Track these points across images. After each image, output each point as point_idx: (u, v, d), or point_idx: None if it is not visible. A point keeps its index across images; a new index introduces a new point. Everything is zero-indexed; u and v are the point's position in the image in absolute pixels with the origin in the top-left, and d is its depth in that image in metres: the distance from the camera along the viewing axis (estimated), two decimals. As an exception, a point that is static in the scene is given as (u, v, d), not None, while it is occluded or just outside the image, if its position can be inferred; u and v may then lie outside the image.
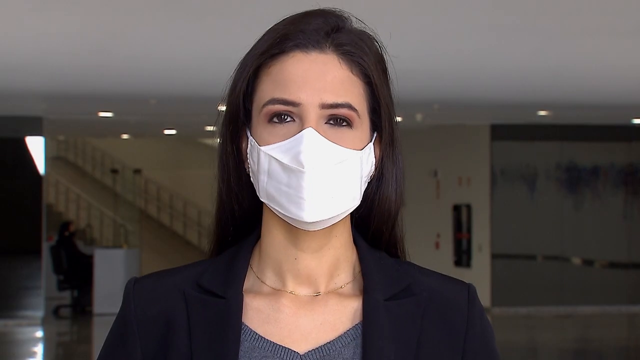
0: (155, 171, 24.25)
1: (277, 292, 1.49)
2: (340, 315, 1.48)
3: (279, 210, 1.44)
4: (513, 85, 12.04)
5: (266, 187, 1.45)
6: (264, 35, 1.50)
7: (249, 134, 1.48)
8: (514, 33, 8.54)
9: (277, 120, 1.44)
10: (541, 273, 16.90)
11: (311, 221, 1.42)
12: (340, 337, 1.46)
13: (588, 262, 17.12)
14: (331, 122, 1.44)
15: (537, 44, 9.12)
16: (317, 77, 1.44)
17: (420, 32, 8.54)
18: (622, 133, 17.00)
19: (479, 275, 16.33)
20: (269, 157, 1.44)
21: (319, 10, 1.50)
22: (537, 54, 9.63)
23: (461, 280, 1.54)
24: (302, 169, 1.41)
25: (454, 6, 7.51)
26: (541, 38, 8.80)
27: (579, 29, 8.46)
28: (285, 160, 1.42)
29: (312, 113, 1.43)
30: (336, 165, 1.43)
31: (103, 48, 9.28)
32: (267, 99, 1.45)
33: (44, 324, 15.61)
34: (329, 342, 1.46)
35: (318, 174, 1.41)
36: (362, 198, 1.49)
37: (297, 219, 1.42)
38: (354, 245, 1.53)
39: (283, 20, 1.50)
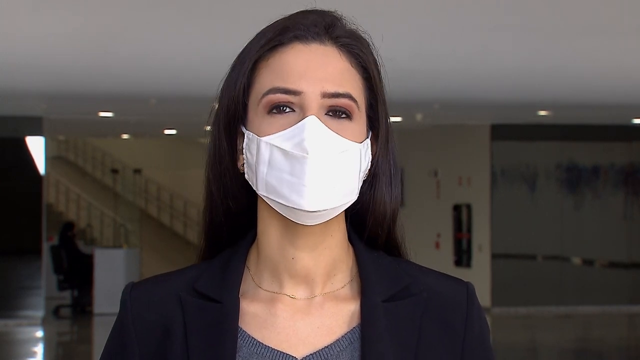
0: (155, 171, 24.24)
1: (273, 296, 1.47)
2: (337, 318, 1.47)
3: (278, 200, 1.42)
4: (513, 85, 12.04)
5: (266, 178, 1.42)
6: (260, 32, 1.49)
7: (244, 129, 1.47)
8: (514, 33, 8.54)
9: (276, 112, 1.43)
10: (541, 273, 16.89)
11: (311, 210, 1.40)
12: (337, 341, 1.45)
13: (588, 262, 17.11)
14: (330, 113, 1.43)
15: (537, 44, 9.12)
16: (318, 67, 1.43)
17: (420, 32, 8.54)
18: (622, 133, 16.99)
19: (479, 275, 16.32)
20: (271, 146, 1.42)
21: (314, 9, 1.50)
22: (537, 54, 9.63)
23: (460, 279, 1.53)
24: (306, 154, 1.39)
25: (454, 6, 7.51)
26: (541, 38, 8.80)
27: (579, 29, 8.46)
28: (288, 147, 1.40)
29: (314, 102, 1.42)
30: (339, 154, 1.41)
31: (103, 48, 9.28)
32: (266, 89, 1.43)
33: (44, 324, 15.60)
34: (327, 347, 1.45)
35: (322, 161, 1.40)
36: (358, 197, 1.47)
37: (297, 207, 1.40)
38: (349, 245, 1.51)
39: (279, 19, 1.49)
